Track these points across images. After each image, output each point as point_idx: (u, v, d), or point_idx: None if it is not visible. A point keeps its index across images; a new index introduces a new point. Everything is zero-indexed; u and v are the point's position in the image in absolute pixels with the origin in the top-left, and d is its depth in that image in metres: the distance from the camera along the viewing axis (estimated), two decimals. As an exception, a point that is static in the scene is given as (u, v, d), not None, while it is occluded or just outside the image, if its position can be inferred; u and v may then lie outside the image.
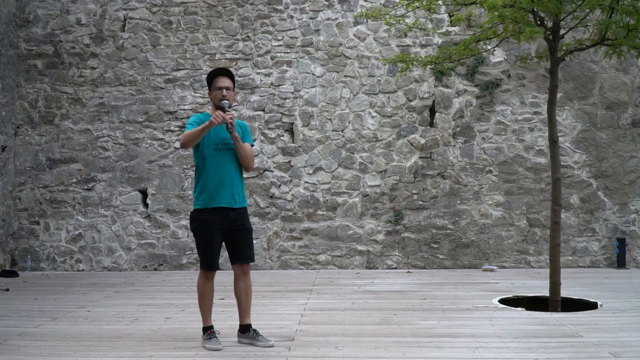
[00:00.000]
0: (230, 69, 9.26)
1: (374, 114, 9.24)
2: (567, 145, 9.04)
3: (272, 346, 4.58)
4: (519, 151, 9.12)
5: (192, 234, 4.86)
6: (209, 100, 4.89)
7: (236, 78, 9.24)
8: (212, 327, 4.66)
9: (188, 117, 9.22)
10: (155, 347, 4.62)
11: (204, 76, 9.26)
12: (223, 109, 4.51)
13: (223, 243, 4.69)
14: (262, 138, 9.31)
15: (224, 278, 8.35)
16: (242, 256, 4.65)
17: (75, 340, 4.88)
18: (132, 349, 4.57)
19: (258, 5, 9.36)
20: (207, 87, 4.84)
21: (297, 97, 9.30)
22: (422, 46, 9.23)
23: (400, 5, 7.09)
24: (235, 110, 9.29)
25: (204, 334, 4.65)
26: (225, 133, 4.54)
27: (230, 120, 4.44)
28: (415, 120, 9.20)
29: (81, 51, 9.47)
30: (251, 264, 4.76)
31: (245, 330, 4.70)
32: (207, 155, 4.57)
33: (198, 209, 4.58)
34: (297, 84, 9.30)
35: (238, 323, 4.76)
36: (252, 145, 4.77)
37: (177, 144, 9.17)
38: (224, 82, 4.61)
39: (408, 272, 8.78)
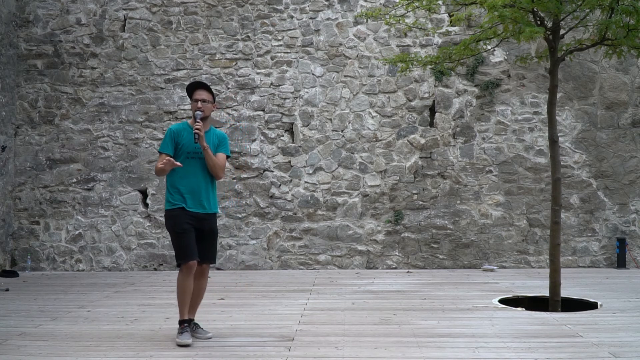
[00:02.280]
0: (230, 68, 9.30)
1: (374, 114, 9.24)
2: (567, 145, 9.04)
3: (210, 338, 4.83)
4: (519, 151, 9.12)
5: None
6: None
7: (236, 78, 9.30)
8: (187, 320, 4.81)
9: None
10: (155, 347, 4.62)
11: (205, 76, 9.28)
12: (195, 119, 4.78)
13: None
14: (262, 138, 9.31)
15: (224, 278, 8.37)
16: (205, 257, 4.91)
17: (75, 340, 4.88)
18: (132, 349, 4.57)
19: (258, 5, 9.36)
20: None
21: (297, 97, 9.30)
22: (422, 46, 9.23)
23: (400, 5, 7.09)
24: (235, 110, 9.30)
25: (179, 326, 4.78)
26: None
27: (197, 131, 4.68)
28: (415, 120, 9.20)
29: (81, 51, 9.47)
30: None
31: (188, 323, 4.89)
32: (180, 162, 4.76)
33: (169, 208, 4.85)
34: (297, 84, 9.30)
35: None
36: (228, 157, 5.05)
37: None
38: (201, 94, 4.88)
39: (408, 272, 8.78)
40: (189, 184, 4.80)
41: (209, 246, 4.94)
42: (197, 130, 4.69)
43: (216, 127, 5.36)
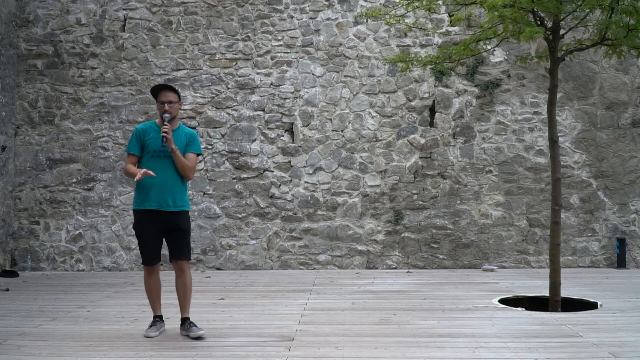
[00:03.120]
0: (230, 68, 9.29)
1: (374, 114, 9.24)
2: (567, 145, 9.04)
3: (202, 335, 4.82)
4: (519, 151, 9.12)
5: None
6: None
7: (236, 78, 9.30)
8: (160, 316, 5.08)
9: (188, 118, 9.25)
10: (155, 347, 4.62)
11: (205, 76, 9.28)
12: (163, 121, 4.84)
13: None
14: (262, 138, 9.31)
15: (224, 278, 8.37)
16: (175, 253, 4.98)
17: (75, 340, 4.88)
18: (132, 349, 4.57)
19: (258, 5, 9.36)
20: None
21: (297, 97, 9.30)
22: (422, 46, 9.23)
23: (400, 5, 7.09)
24: (235, 110, 9.29)
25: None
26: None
27: (164, 134, 4.73)
28: (415, 120, 9.20)
29: (81, 51, 9.47)
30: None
31: (183, 322, 5.01)
32: (145, 161, 4.89)
33: (134, 209, 4.97)
34: (297, 84, 9.30)
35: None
36: (199, 154, 5.11)
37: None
38: (167, 96, 4.92)
39: (408, 272, 8.78)
40: (155, 182, 4.81)
41: (180, 244, 4.97)
42: (164, 134, 4.74)
43: (190, 127, 5.30)
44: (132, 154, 4.93)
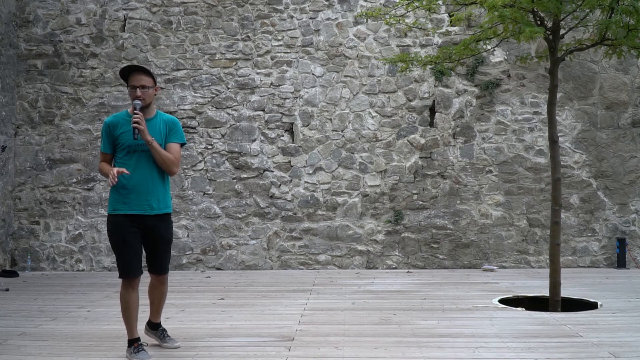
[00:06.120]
0: (230, 68, 9.29)
1: (374, 114, 9.24)
2: (567, 145, 9.04)
3: (178, 347, 4.55)
4: (519, 151, 9.12)
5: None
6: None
7: (236, 78, 9.29)
8: (138, 339, 4.33)
9: (188, 118, 9.25)
10: (155, 347, 4.62)
11: (205, 76, 9.28)
12: (134, 109, 4.20)
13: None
14: (262, 138, 9.31)
15: (224, 278, 8.37)
16: (158, 268, 4.52)
17: (75, 340, 4.88)
18: (132, 349, 4.56)
19: (258, 5, 9.36)
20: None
21: (297, 97, 9.30)
22: (422, 46, 9.23)
23: (400, 5, 7.09)
24: (235, 110, 9.29)
25: (129, 347, 4.29)
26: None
27: (135, 125, 4.10)
28: (415, 120, 9.20)
29: (81, 51, 9.47)
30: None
31: (155, 327, 4.71)
32: (120, 158, 4.27)
33: (110, 213, 4.29)
34: (297, 84, 9.30)
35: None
36: (183, 144, 4.48)
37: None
38: (140, 80, 4.24)
39: (408, 272, 8.78)
40: (134, 182, 4.21)
41: (162, 255, 4.46)
42: (135, 125, 4.08)
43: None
44: (104, 153, 4.30)
